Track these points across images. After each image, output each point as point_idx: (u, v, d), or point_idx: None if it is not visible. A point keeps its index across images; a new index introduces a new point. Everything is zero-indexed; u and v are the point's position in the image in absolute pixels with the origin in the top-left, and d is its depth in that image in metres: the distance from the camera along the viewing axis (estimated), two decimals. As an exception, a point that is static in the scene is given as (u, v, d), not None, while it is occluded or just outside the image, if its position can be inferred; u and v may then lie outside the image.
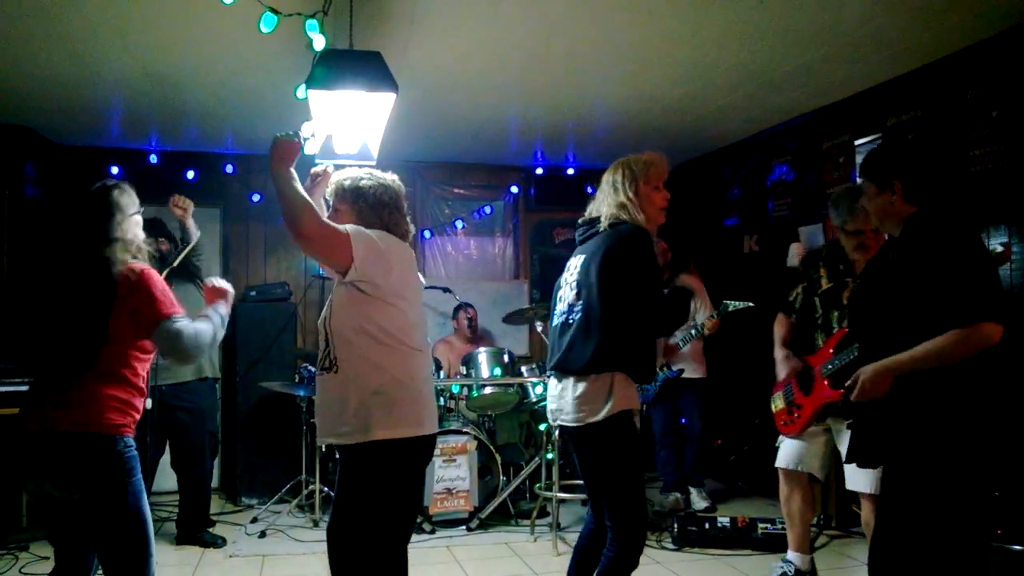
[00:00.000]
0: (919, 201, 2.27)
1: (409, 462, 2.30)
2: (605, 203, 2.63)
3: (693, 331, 4.68)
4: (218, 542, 4.22)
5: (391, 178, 2.47)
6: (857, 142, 4.42)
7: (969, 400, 2.14)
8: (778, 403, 3.27)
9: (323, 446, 4.45)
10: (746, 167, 5.57)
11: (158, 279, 2.32)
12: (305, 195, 2.22)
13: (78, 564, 2.31)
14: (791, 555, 3.36)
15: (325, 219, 2.28)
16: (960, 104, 3.72)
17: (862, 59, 3.79)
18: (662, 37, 3.50)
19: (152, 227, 4.14)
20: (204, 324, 2.35)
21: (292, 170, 2.23)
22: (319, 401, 2.37)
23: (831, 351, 3.01)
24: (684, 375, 4.83)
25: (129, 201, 2.43)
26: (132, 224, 2.41)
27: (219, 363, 4.48)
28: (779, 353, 3.23)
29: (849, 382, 2.31)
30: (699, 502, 4.90)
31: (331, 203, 2.48)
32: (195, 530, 4.26)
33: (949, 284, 2.12)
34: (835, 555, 3.99)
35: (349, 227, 2.25)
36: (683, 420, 5.03)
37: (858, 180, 2.44)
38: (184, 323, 2.27)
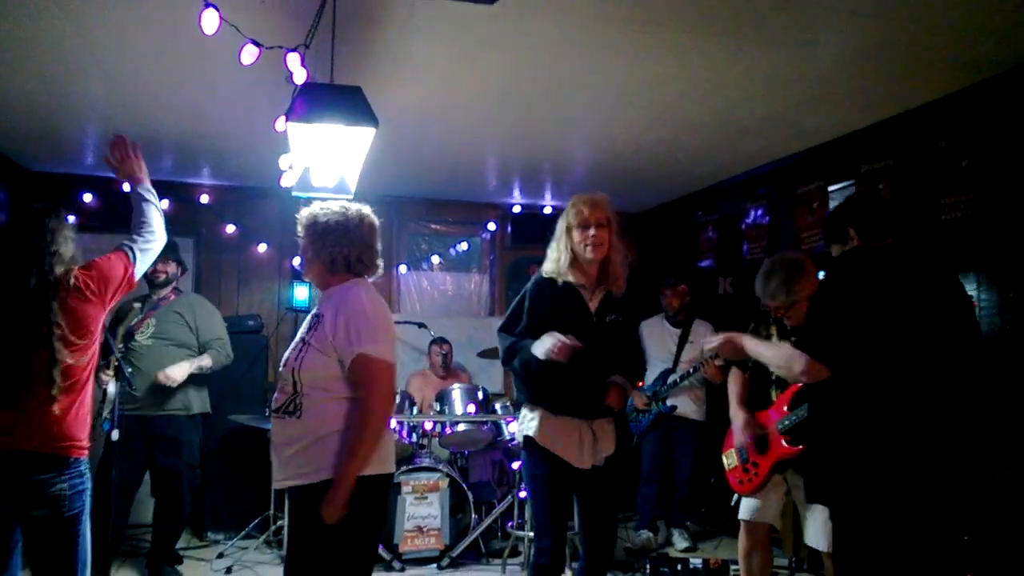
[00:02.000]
0: (878, 239, 2.39)
1: (369, 500, 2.27)
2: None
3: (691, 370, 4.73)
4: None
5: (357, 209, 2.44)
6: (830, 187, 4.51)
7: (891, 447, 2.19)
8: (731, 461, 3.25)
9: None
10: (721, 210, 5.65)
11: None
12: (371, 427, 2.22)
13: None
14: None
15: (368, 369, 2.24)
16: (931, 153, 3.81)
17: (836, 107, 3.88)
18: (640, 80, 3.56)
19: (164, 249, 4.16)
20: (146, 207, 2.54)
21: (350, 472, 2.18)
22: (275, 443, 2.32)
23: (785, 407, 3.02)
24: (680, 414, 4.85)
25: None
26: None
27: (203, 399, 4.40)
28: (738, 416, 3.20)
29: (710, 340, 2.69)
30: (680, 543, 4.87)
31: (300, 236, 2.48)
32: (158, 564, 4.14)
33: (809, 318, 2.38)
34: (807, 599, 3.96)
35: (384, 353, 2.25)
36: (672, 454, 5.00)
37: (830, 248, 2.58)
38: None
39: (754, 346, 2.57)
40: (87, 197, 5.39)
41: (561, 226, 2.83)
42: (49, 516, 2.22)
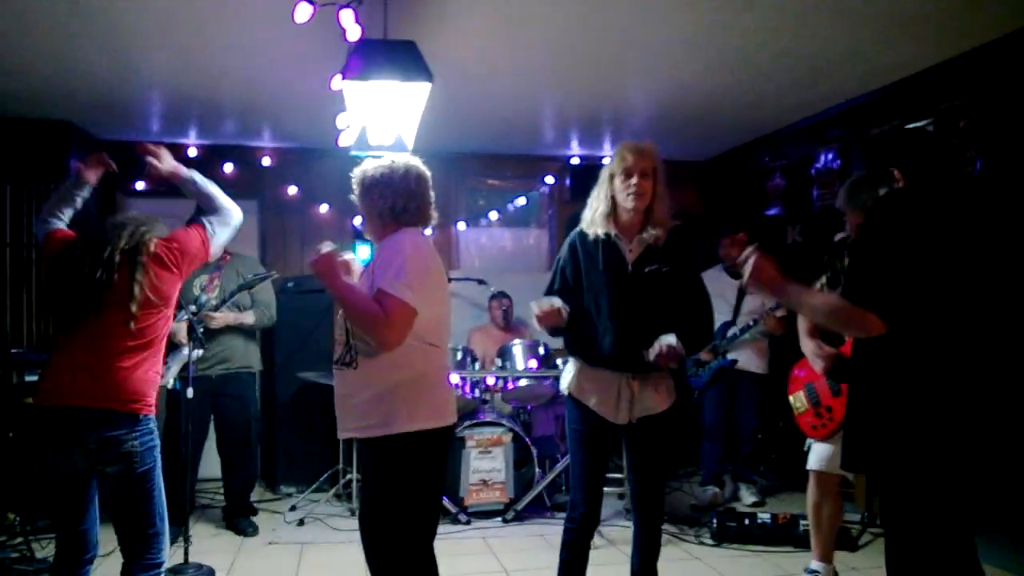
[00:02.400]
0: (921, 183, 2.20)
1: (430, 453, 2.31)
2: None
3: (751, 323, 4.62)
4: (248, 531, 4.28)
5: (404, 161, 2.43)
6: (908, 127, 4.27)
7: (938, 407, 2.03)
8: (800, 404, 3.13)
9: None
10: (788, 156, 5.43)
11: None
12: (368, 306, 2.20)
13: (83, 542, 2.41)
14: (815, 564, 3.23)
15: (376, 306, 2.21)
16: (1011, 88, 3.55)
17: (913, 41, 3.64)
18: (703, 25, 3.41)
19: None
20: (207, 189, 2.69)
21: (345, 280, 2.25)
22: (338, 395, 2.38)
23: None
24: (743, 367, 4.76)
25: None
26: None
27: (260, 357, 4.58)
28: (809, 344, 2.99)
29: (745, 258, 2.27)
30: (748, 497, 4.83)
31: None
32: (234, 515, 4.34)
33: (853, 260, 2.15)
34: (880, 553, 3.85)
35: (401, 290, 2.20)
36: (735, 408, 4.93)
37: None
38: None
39: (797, 290, 2.23)
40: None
41: (604, 174, 2.74)
42: (123, 472, 2.33)
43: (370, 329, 2.21)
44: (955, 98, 3.91)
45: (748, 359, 4.79)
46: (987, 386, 2.03)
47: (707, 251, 5.11)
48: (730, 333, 4.77)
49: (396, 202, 2.38)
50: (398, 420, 2.25)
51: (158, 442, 2.44)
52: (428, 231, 2.53)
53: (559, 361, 4.84)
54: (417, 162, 2.45)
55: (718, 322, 4.84)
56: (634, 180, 2.63)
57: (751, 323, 4.65)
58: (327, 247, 2.28)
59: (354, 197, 2.47)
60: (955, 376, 2.02)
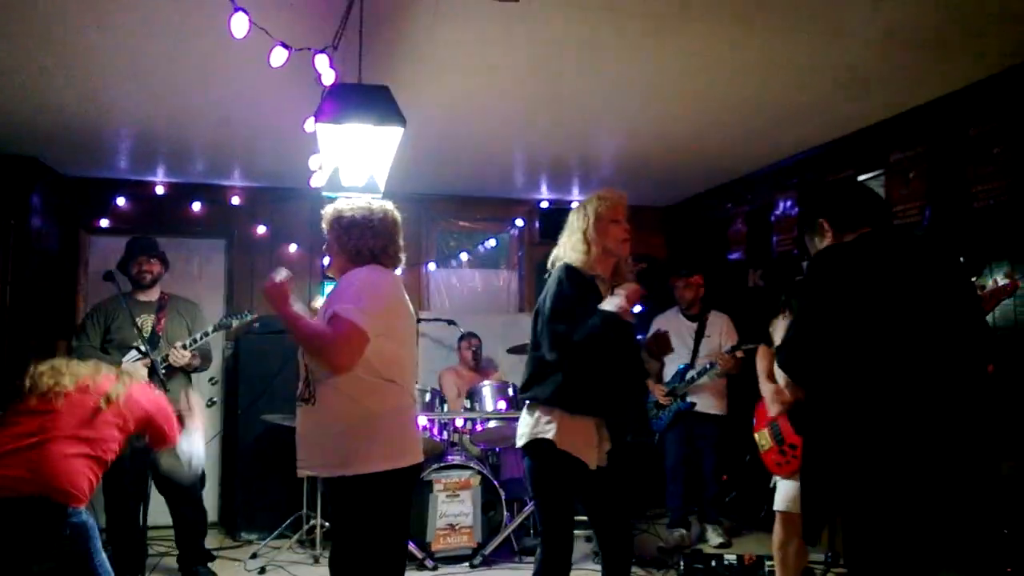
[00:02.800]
0: (852, 228, 2.25)
1: (388, 495, 2.29)
2: (561, 242, 2.85)
3: (708, 365, 4.70)
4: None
5: (380, 205, 2.51)
6: (861, 177, 4.43)
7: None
8: (765, 441, 3.19)
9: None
10: (750, 202, 5.59)
11: None
12: (317, 328, 2.25)
13: None
14: None
15: (326, 328, 2.26)
16: (963, 140, 3.73)
17: (867, 95, 3.81)
18: (668, 73, 3.53)
19: (146, 247, 4.23)
20: None
21: (292, 308, 2.29)
22: (299, 432, 2.39)
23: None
24: (702, 410, 4.82)
25: None
26: None
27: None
28: (767, 387, 3.15)
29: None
30: (714, 538, 4.83)
31: (324, 232, 2.52)
32: (189, 564, 4.16)
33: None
34: (845, 595, 3.90)
35: (353, 314, 2.22)
36: (696, 450, 4.97)
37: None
38: None
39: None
40: (120, 200, 5.47)
41: (586, 219, 2.77)
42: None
43: (319, 352, 2.24)
44: (906, 149, 4.09)
45: (707, 401, 4.85)
46: (920, 421, 2.02)
47: (669, 295, 5.20)
48: (688, 375, 4.83)
49: (372, 243, 2.43)
50: (354, 461, 2.25)
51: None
52: (397, 271, 2.56)
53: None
54: (391, 206, 2.52)
55: (676, 365, 4.94)
56: (626, 227, 2.74)
57: (708, 365, 4.73)
58: (281, 275, 2.32)
59: (326, 233, 2.49)
60: (889, 417, 2.02)
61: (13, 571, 2.26)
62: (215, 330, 4.20)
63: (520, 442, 2.77)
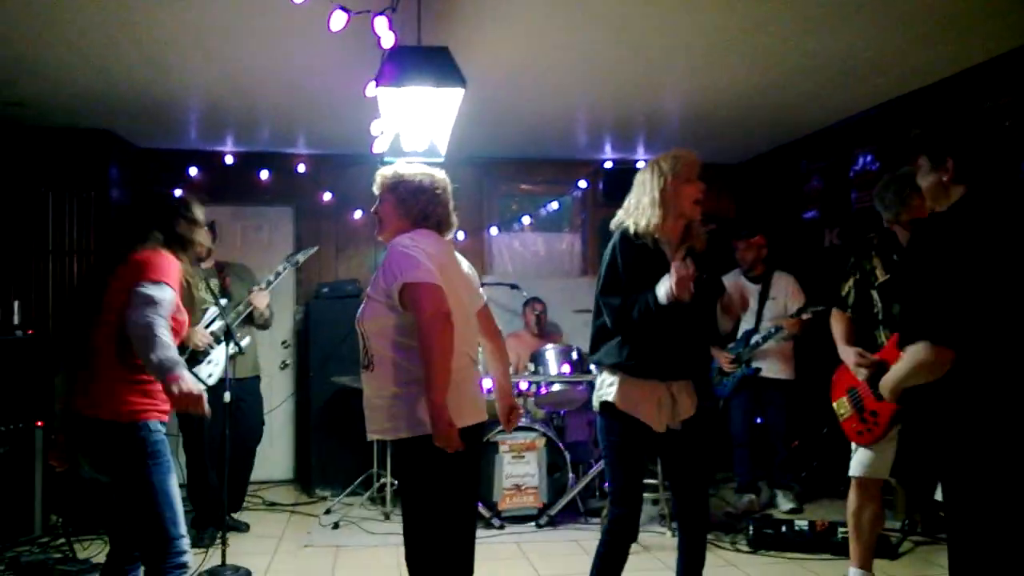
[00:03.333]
0: (970, 182, 2.12)
1: (450, 454, 2.29)
2: (628, 203, 2.74)
3: (773, 330, 4.56)
4: (241, 527, 4.40)
5: (434, 170, 2.50)
6: (960, 121, 4.17)
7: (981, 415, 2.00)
8: (844, 410, 3.06)
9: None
10: (826, 157, 5.35)
11: (165, 263, 2.40)
12: (424, 354, 2.20)
13: (129, 541, 2.44)
14: (854, 572, 3.15)
15: (412, 297, 2.23)
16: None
17: (949, 42, 3.57)
18: (738, 26, 3.38)
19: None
20: (164, 337, 2.26)
21: (439, 401, 2.18)
22: (365, 396, 2.42)
23: (898, 349, 2.80)
24: (768, 375, 4.70)
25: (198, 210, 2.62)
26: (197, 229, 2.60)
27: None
28: (848, 353, 2.97)
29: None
30: (785, 504, 4.75)
31: (377, 194, 2.51)
32: (228, 513, 4.14)
33: (908, 294, 2.08)
34: (921, 562, 3.79)
35: (422, 276, 2.21)
36: (758, 420, 4.88)
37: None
38: (158, 297, 2.29)
39: (892, 378, 2.22)
40: (193, 171, 5.63)
41: (658, 179, 2.63)
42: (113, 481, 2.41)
43: (437, 342, 2.19)
44: (996, 99, 3.82)
45: (773, 366, 4.72)
46: None
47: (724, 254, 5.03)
48: (753, 340, 4.70)
49: (439, 210, 2.44)
50: (413, 423, 2.27)
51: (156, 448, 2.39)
52: (458, 236, 2.55)
53: (592, 366, 4.82)
54: (441, 172, 2.51)
55: (741, 329, 4.80)
56: (702, 187, 2.63)
57: (773, 329, 4.58)
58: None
59: (382, 195, 2.48)
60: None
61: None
62: (285, 268, 4.38)
63: (594, 404, 2.80)
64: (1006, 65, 3.76)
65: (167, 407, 2.41)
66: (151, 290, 2.31)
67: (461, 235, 2.58)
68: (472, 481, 2.46)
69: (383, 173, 2.49)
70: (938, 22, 3.34)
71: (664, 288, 2.48)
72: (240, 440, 4.30)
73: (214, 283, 4.30)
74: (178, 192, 2.65)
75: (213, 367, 4.05)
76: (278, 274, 4.35)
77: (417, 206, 2.42)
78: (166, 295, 2.34)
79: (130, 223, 2.58)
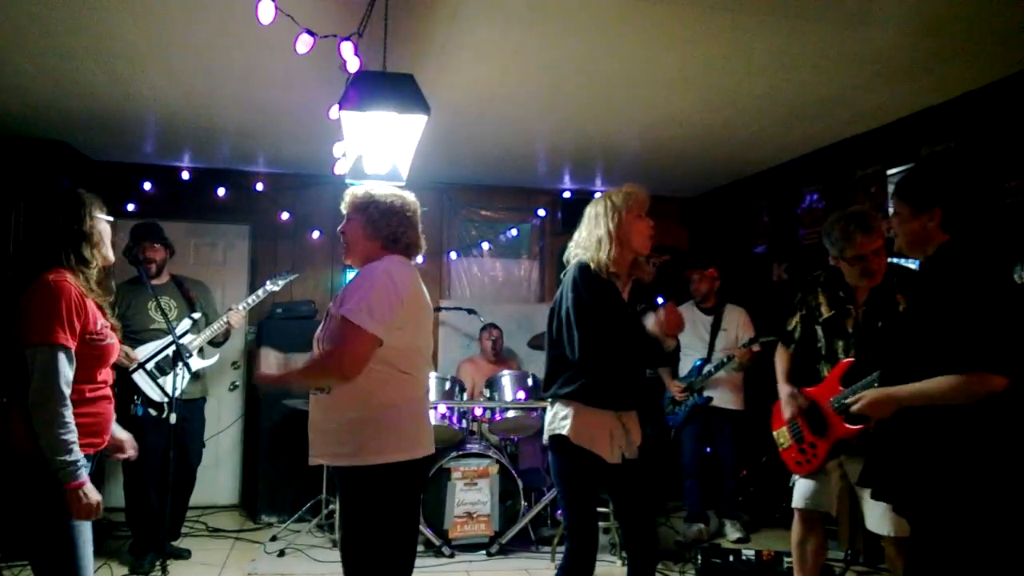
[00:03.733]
0: (954, 230, 2.21)
1: (400, 486, 2.29)
2: (579, 236, 2.79)
3: (725, 359, 4.66)
4: (183, 554, 4.30)
5: (405, 193, 2.51)
6: (889, 171, 4.36)
7: (987, 441, 2.06)
8: (784, 440, 3.15)
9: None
10: (775, 195, 5.53)
11: (63, 296, 2.15)
12: (319, 363, 2.31)
13: None
14: None
15: (327, 351, 2.30)
16: (994, 135, 3.66)
17: (896, 88, 3.75)
18: (693, 64, 3.49)
19: (148, 232, 4.28)
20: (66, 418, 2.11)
21: (287, 373, 2.32)
22: (311, 420, 2.40)
23: (838, 383, 2.91)
24: (719, 404, 4.79)
25: (97, 204, 2.41)
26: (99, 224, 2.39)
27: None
28: (784, 389, 3.10)
29: (853, 398, 2.41)
30: (733, 533, 4.82)
31: (345, 214, 2.50)
32: (167, 539, 4.07)
33: (959, 325, 2.08)
34: (864, 593, 3.88)
35: (362, 317, 2.20)
36: (707, 449, 4.96)
37: (890, 202, 2.41)
38: (48, 362, 2.08)
39: (909, 393, 2.21)
40: (147, 185, 5.53)
41: (612, 214, 2.69)
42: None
43: (323, 373, 2.28)
44: (936, 143, 4.01)
45: (723, 395, 4.82)
46: None
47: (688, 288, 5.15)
48: (705, 370, 4.80)
49: (398, 232, 2.42)
50: (367, 451, 2.25)
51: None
52: (418, 260, 2.56)
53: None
54: (412, 195, 2.52)
55: (692, 359, 4.90)
56: (651, 222, 2.69)
57: (725, 359, 4.69)
58: (265, 360, 2.37)
59: (351, 216, 2.47)
60: None
61: None
62: (266, 292, 4.39)
63: (544, 438, 2.79)
64: (944, 113, 3.95)
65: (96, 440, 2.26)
66: (35, 361, 2.11)
67: (420, 258, 2.57)
68: (415, 513, 2.45)
69: (354, 192, 2.47)
70: (885, 66, 3.49)
71: (649, 324, 2.55)
72: (182, 462, 4.18)
73: (167, 300, 4.21)
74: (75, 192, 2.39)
75: (179, 380, 3.95)
76: (258, 296, 4.32)
77: (387, 228, 2.41)
78: (53, 361, 2.12)
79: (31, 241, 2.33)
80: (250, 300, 4.30)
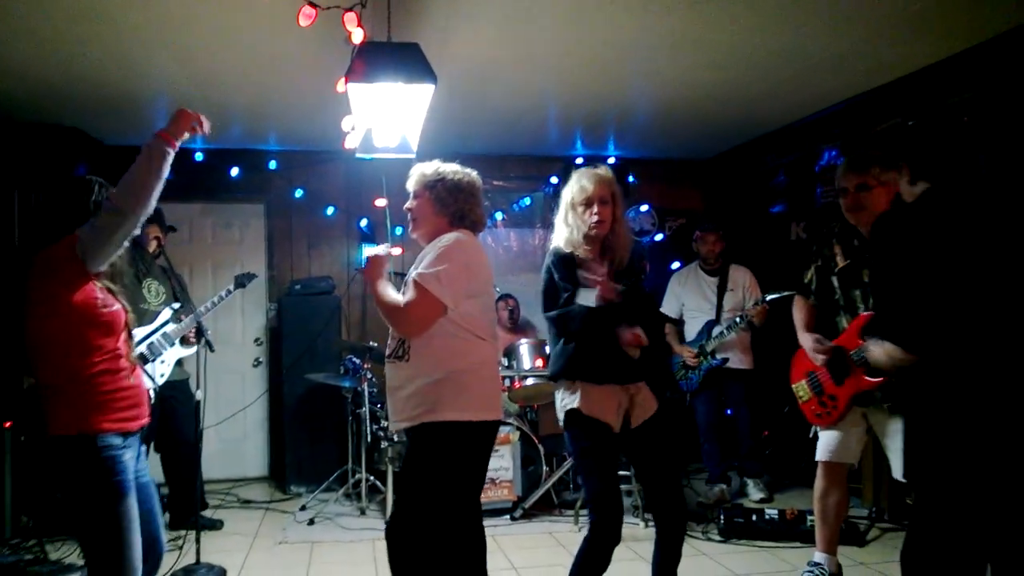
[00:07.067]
0: (930, 179, 2.18)
1: (477, 445, 2.34)
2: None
3: (738, 319, 4.64)
4: (216, 525, 4.38)
5: (470, 170, 2.58)
6: (911, 124, 4.28)
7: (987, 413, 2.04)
8: (804, 393, 3.14)
9: (368, 436, 4.52)
10: (792, 153, 5.44)
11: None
12: (394, 299, 2.37)
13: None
14: (819, 556, 3.23)
15: (399, 299, 2.37)
16: (1020, 83, 3.56)
17: (914, 39, 3.65)
18: (704, 22, 3.43)
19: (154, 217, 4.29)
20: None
21: (384, 280, 2.40)
22: (390, 387, 2.45)
23: (857, 335, 2.87)
24: (730, 365, 4.78)
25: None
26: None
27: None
28: (807, 339, 3.06)
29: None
30: (755, 493, 4.84)
31: (412, 191, 2.55)
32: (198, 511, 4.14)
33: (884, 292, 2.14)
34: (889, 549, 3.88)
35: (431, 282, 2.29)
36: (728, 411, 4.96)
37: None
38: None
39: (880, 357, 2.27)
40: (162, 168, 5.56)
41: (566, 200, 2.72)
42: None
43: (389, 317, 2.36)
44: (960, 94, 3.91)
45: (734, 356, 4.81)
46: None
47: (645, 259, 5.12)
48: (716, 331, 4.78)
49: (465, 208, 2.49)
50: (448, 407, 2.30)
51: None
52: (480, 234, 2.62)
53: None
54: (476, 173, 2.59)
55: (701, 321, 4.88)
56: (595, 209, 2.64)
57: (737, 319, 4.67)
58: (384, 249, 2.48)
59: (418, 192, 2.52)
60: (997, 385, 2.01)
61: None
62: (229, 293, 4.31)
63: (559, 417, 2.78)
64: (965, 62, 3.85)
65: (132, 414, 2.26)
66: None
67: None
68: (482, 476, 2.50)
69: (423, 170, 2.52)
70: (897, 19, 3.41)
71: (592, 296, 2.57)
72: (181, 441, 4.27)
73: (156, 285, 4.20)
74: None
75: (165, 367, 4.02)
76: (221, 298, 4.25)
77: (455, 205, 2.48)
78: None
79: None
80: (208, 304, 4.22)
